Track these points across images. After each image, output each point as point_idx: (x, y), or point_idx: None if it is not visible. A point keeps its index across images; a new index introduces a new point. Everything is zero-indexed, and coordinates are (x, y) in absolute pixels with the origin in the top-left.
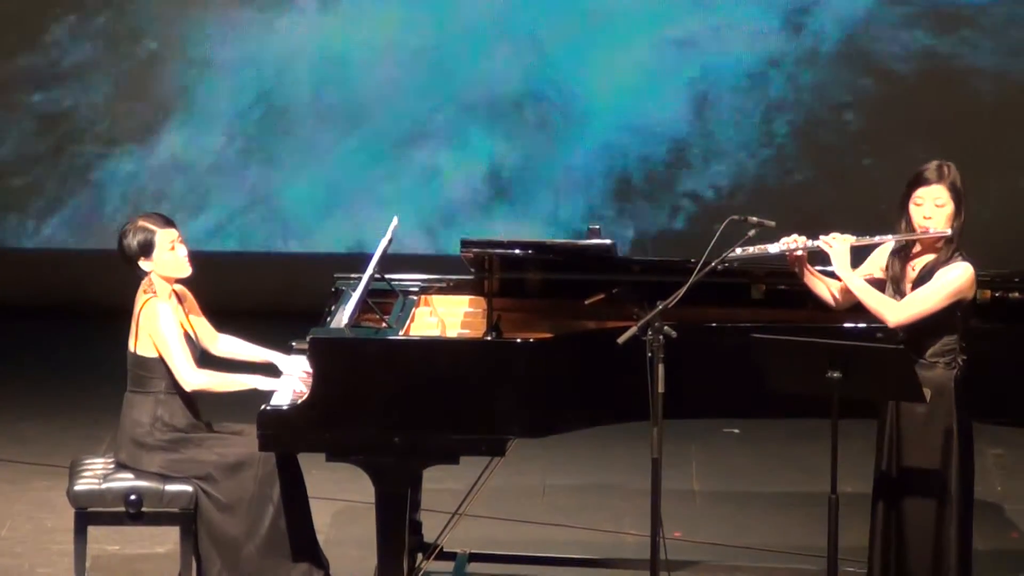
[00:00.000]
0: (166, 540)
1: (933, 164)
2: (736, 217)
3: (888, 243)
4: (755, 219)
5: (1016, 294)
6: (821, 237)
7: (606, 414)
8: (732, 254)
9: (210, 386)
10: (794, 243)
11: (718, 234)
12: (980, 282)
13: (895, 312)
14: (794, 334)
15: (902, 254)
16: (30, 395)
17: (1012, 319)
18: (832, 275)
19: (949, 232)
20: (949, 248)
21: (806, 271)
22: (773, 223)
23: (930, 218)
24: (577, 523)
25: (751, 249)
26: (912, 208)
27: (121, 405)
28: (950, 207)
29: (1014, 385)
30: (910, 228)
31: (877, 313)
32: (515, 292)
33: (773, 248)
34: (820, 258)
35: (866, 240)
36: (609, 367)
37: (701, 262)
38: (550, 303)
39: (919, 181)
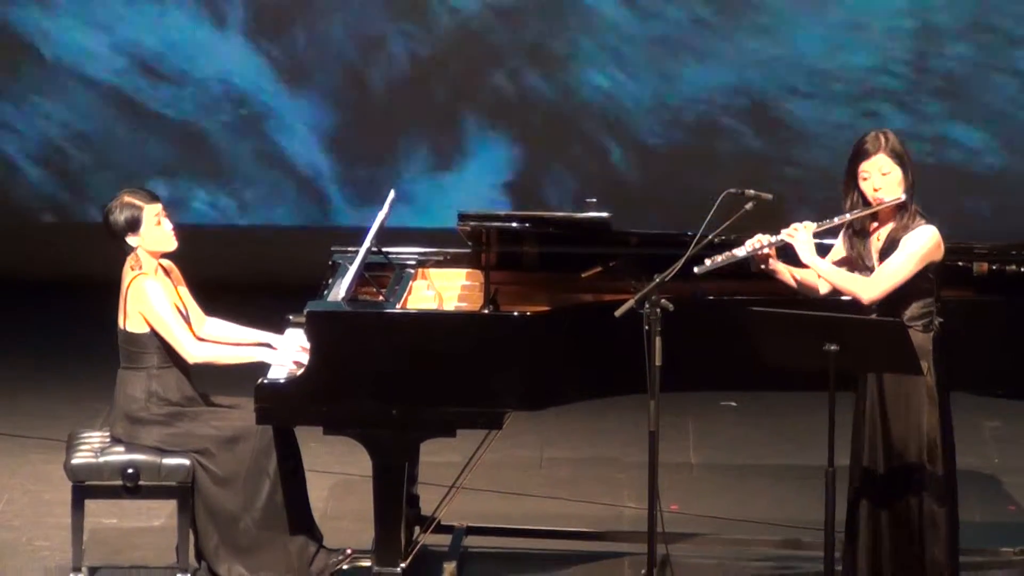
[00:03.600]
0: (163, 513)
1: (870, 135)
2: (733, 190)
3: (834, 222)
4: (752, 192)
5: (1013, 267)
6: (782, 231)
7: (603, 387)
8: (703, 267)
9: (213, 358)
10: (759, 243)
11: (715, 206)
12: (977, 255)
13: (867, 289)
14: (792, 307)
15: (860, 231)
16: (28, 368)
17: (1009, 292)
18: (803, 267)
19: (903, 197)
20: (906, 213)
21: (777, 269)
22: (770, 196)
23: (880, 188)
24: (575, 496)
25: (719, 258)
26: (861, 183)
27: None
28: (897, 173)
29: (1011, 357)
30: (863, 203)
31: (850, 293)
32: (512, 265)
33: (740, 251)
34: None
35: (826, 224)
36: (606, 340)
37: (698, 235)
38: (547, 276)
39: (860, 155)
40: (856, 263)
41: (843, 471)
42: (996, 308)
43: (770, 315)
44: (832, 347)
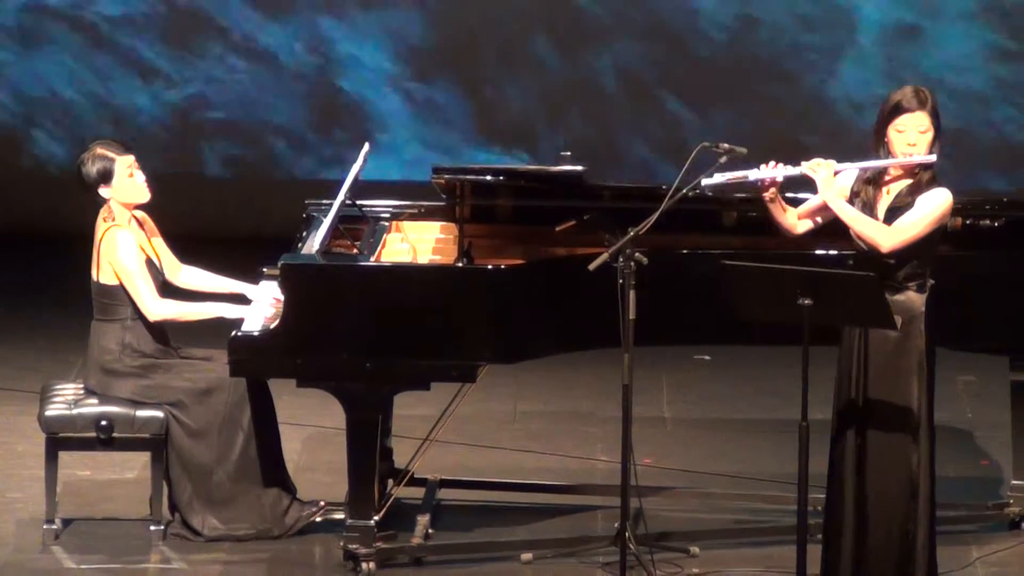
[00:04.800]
0: (136, 466)
1: (909, 90)
2: (707, 144)
3: (848, 171)
4: (726, 146)
5: (987, 221)
6: (803, 163)
7: (577, 341)
8: (710, 181)
9: (174, 316)
10: (774, 169)
11: (689, 161)
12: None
13: (889, 238)
14: (765, 261)
15: (876, 180)
16: (1, 319)
17: (982, 246)
18: (793, 203)
19: (934, 158)
20: (928, 174)
21: (777, 199)
22: (744, 150)
23: (914, 145)
24: (548, 449)
25: (729, 175)
26: (893, 135)
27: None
28: (931, 133)
29: (984, 312)
30: (888, 155)
31: (870, 239)
32: (486, 219)
33: (752, 175)
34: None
35: (847, 166)
36: (580, 294)
37: (672, 188)
38: (521, 230)
39: (900, 109)
40: (863, 210)
41: (818, 425)
42: (970, 263)
43: (744, 269)
44: (806, 301)
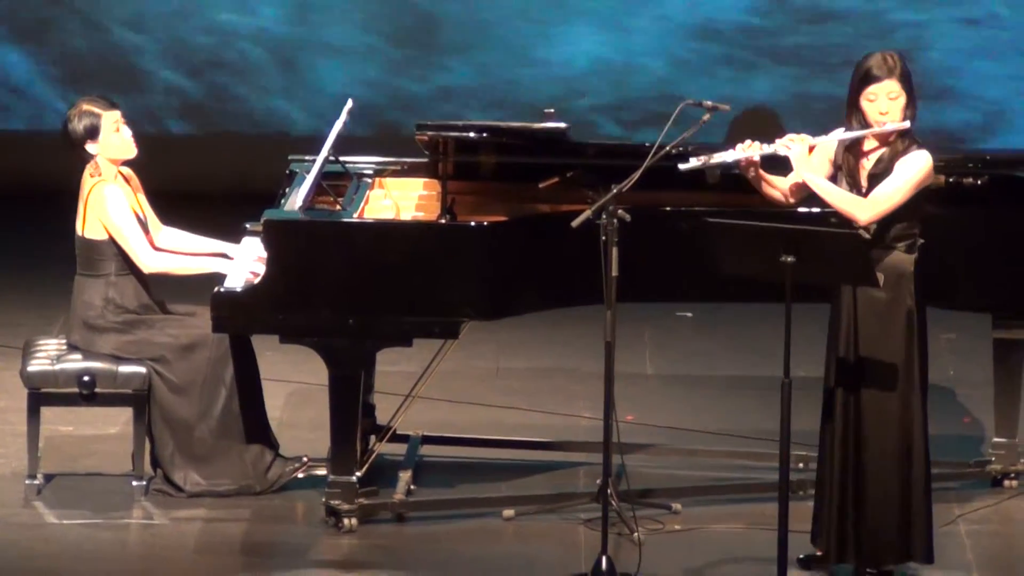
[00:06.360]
0: (119, 421)
1: (877, 57)
2: (690, 101)
3: (826, 144)
4: (710, 103)
5: (969, 179)
6: (778, 140)
7: (560, 297)
8: (686, 165)
9: (169, 268)
10: (750, 148)
11: (672, 118)
12: (935, 168)
13: (864, 210)
14: (749, 218)
15: (855, 149)
16: None
17: (965, 204)
18: (779, 175)
19: (908, 125)
20: (905, 138)
21: (761, 175)
22: (728, 107)
23: (886, 113)
24: (530, 406)
25: (704, 158)
26: (865, 104)
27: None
28: (903, 98)
29: (966, 269)
30: (864, 124)
31: (847, 213)
32: (470, 175)
33: (729, 156)
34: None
35: (821, 139)
36: (563, 250)
37: (656, 146)
38: (505, 186)
39: (870, 78)
40: (846, 178)
41: (801, 383)
42: (953, 221)
43: (727, 226)
44: (789, 258)
